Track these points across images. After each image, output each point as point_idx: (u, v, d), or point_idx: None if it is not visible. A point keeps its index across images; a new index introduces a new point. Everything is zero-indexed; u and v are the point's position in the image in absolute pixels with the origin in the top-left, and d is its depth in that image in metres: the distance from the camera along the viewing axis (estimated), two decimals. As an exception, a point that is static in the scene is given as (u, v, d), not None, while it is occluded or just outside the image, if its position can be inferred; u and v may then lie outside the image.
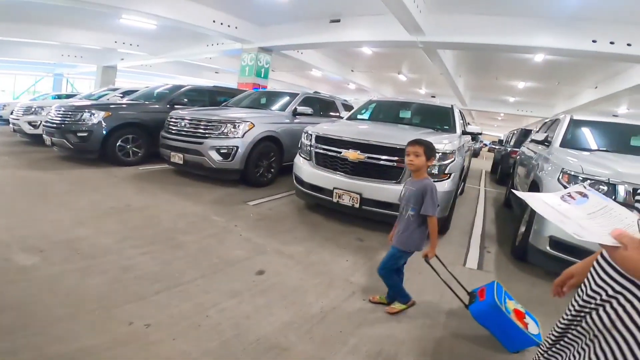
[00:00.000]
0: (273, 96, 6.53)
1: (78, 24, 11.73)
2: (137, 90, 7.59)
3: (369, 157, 3.36)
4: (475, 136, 5.05)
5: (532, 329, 1.83)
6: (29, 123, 6.98)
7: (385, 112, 5.32)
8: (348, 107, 7.69)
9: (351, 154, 3.43)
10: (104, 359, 1.57)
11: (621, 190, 2.51)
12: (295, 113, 5.61)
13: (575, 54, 8.14)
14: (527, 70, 12.23)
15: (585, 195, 0.86)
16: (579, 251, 2.37)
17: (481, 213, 5.24)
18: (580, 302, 0.86)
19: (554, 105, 18.60)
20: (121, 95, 7.85)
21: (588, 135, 4.03)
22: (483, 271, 3.07)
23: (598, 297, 0.81)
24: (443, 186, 3.32)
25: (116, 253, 2.56)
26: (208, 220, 3.49)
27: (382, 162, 3.35)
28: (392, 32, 8.75)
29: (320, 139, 3.77)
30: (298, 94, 6.16)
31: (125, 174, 5.03)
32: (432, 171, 3.29)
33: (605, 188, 2.55)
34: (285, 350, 1.77)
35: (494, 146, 17.45)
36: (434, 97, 20.22)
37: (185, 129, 4.87)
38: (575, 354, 0.85)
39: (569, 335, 0.90)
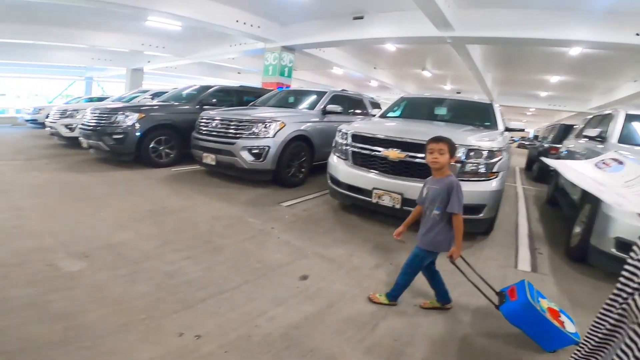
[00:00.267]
0: (300, 95, 6.43)
1: (106, 27, 12.05)
2: (166, 92, 7.69)
3: (410, 156, 3.20)
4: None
5: (569, 327, 1.78)
6: (66, 126, 7.19)
7: (419, 109, 5.11)
8: (375, 105, 7.51)
9: (391, 153, 3.27)
10: (158, 373, 1.50)
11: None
12: (324, 111, 5.49)
13: (617, 48, 7.73)
14: (562, 64, 11.75)
15: (620, 162, 0.76)
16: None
17: (524, 212, 4.98)
18: (619, 285, 0.83)
19: (589, 99, 17.78)
20: (151, 97, 7.98)
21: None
22: (538, 274, 2.89)
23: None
24: (491, 185, 3.14)
25: (158, 258, 2.53)
26: (244, 223, 3.43)
27: (423, 161, 3.17)
28: (419, 28, 8.52)
29: (357, 138, 3.63)
30: (326, 92, 6.03)
31: (159, 176, 5.08)
32: (480, 170, 3.10)
33: None
34: (342, 363, 1.66)
35: (524, 142, 16.75)
36: (459, 92, 19.67)
37: (216, 130, 4.85)
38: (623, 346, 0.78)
39: (611, 322, 0.86)
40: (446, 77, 17.91)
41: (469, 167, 3.11)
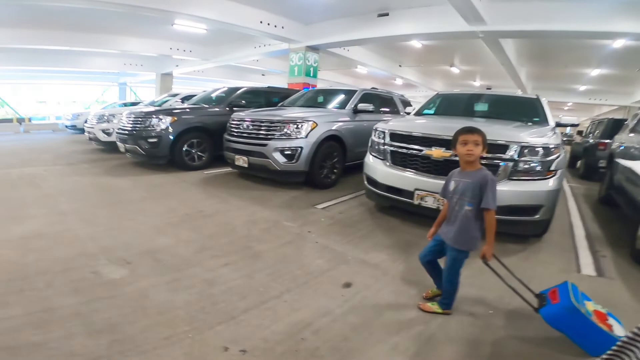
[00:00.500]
0: (329, 94, 6.30)
1: (135, 32, 12.41)
2: (195, 95, 7.78)
3: (456, 155, 2.97)
4: None
5: (617, 330, 1.65)
6: (103, 131, 7.43)
7: (457, 105, 4.84)
8: (406, 103, 7.28)
9: (435, 152, 3.07)
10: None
11: None
12: (355, 110, 5.33)
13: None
14: (603, 57, 11.07)
15: None
16: None
17: (575, 211, 4.63)
18: None
19: (631, 92, 16.73)
20: (181, 100, 8.10)
21: None
22: (606, 278, 2.65)
23: None
24: (548, 184, 2.89)
25: (198, 265, 2.47)
26: (280, 226, 3.34)
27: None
28: (448, 23, 8.17)
29: (396, 137, 3.45)
30: (356, 91, 5.86)
31: (193, 179, 5.10)
32: (537, 168, 2.85)
33: None
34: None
35: (563, 138, 15.81)
36: (489, 88, 18.88)
37: (247, 131, 4.80)
38: None
39: None
40: (475, 72, 17.28)
41: (522, 166, 2.86)
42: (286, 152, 4.43)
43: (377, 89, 6.75)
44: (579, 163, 8.72)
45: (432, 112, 4.77)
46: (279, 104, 6.29)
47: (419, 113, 4.70)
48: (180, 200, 4.03)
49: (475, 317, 2.02)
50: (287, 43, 11.32)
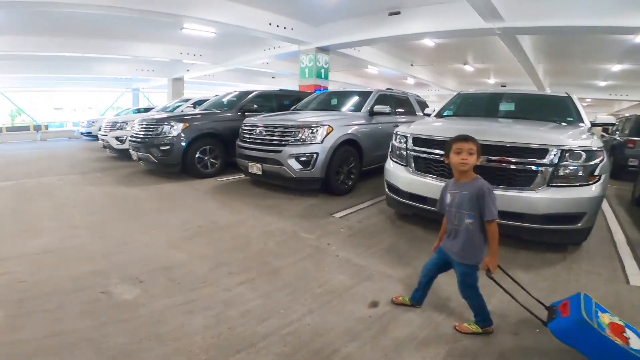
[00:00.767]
0: (343, 96, 6.12)
1: (146, 37, 12.47)
2: (207, 100, 7.70)
3: (489, 160, 2.76)
4: None
5: (634, 343, 1.52)
6: (116, 138, 7.40)
7: (480, 105, 4.62)
8: (422, 104, 7.05)
9: (464, 158, 2.85)
10: None
11: None
12: (372, 113, 5.13)
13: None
14: (624, 51, 10.63)
15: None
16: None
17: (611, 214, 4.32)
18: None
19: (654, 87, 16.00)
20: (192, 105, 8.03)
21: None
22: None
23: None
24: (591, 190, 2.65)
25: (214, 283, 2.32)
26: (298, 239, 3.17)
27: (506, 166, 2.73)
28: (462, 20, 7.91)
29: (419, 141, 3.24)
30: (371, 92, 5.66)
31: (206, 187, 4.99)
32: (579, 173, 2.61)
33: None
34: None
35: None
36: (504, 86, 18.43)
37: (260, 137, 4.65)
38: None
39: None
40: (489, 70, 16.84)
41: (563, 172, 2.62)
42: (301, 159, 4.26)
43: (392, 89, 6.54)
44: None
45: (453, 113, 4.55)
46: (292, 108, 6.14)
47: (440, 114, 4.47)
48: (193, 211, 3.92)
49: (519, 337, 1.84)
50: (297, 45, 11.20)
